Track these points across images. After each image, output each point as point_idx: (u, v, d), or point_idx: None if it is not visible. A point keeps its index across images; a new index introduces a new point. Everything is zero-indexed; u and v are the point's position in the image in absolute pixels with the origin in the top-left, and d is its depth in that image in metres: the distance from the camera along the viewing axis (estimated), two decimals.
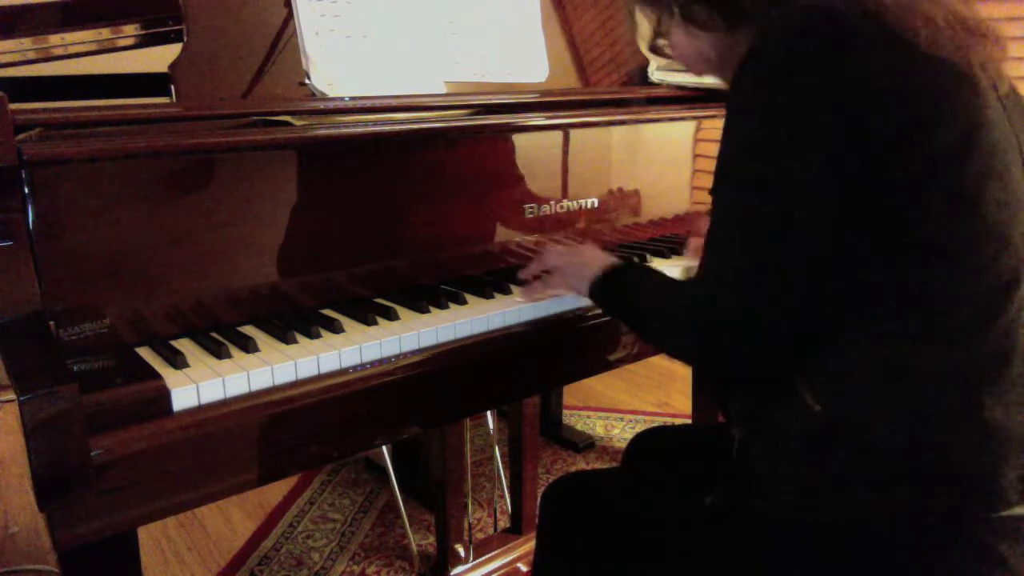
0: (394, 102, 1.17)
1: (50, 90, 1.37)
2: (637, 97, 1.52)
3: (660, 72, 1.61)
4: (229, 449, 0.86)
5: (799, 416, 0.78)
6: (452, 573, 1.64)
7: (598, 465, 2.25)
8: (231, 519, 2.00)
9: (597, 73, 1.55)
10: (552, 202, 1.32)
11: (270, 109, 1.06)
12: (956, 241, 0.73)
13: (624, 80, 1.59)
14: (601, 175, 1.40)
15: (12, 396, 0.71)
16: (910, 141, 0.71)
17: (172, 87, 1.06)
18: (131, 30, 1.26)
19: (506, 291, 1.16)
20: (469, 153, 1.22)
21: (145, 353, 0.92)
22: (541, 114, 1.30)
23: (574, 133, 1.34)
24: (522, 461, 1.73)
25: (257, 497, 2.08)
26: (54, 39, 1.21)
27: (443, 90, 1.29)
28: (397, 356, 0.98)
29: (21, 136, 0.86)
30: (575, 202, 1.36)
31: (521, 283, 1.16)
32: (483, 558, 1.68)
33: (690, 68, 0.96)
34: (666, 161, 1.51)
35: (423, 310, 1.07)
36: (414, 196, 1.16)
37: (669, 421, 2.54)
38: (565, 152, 1.34)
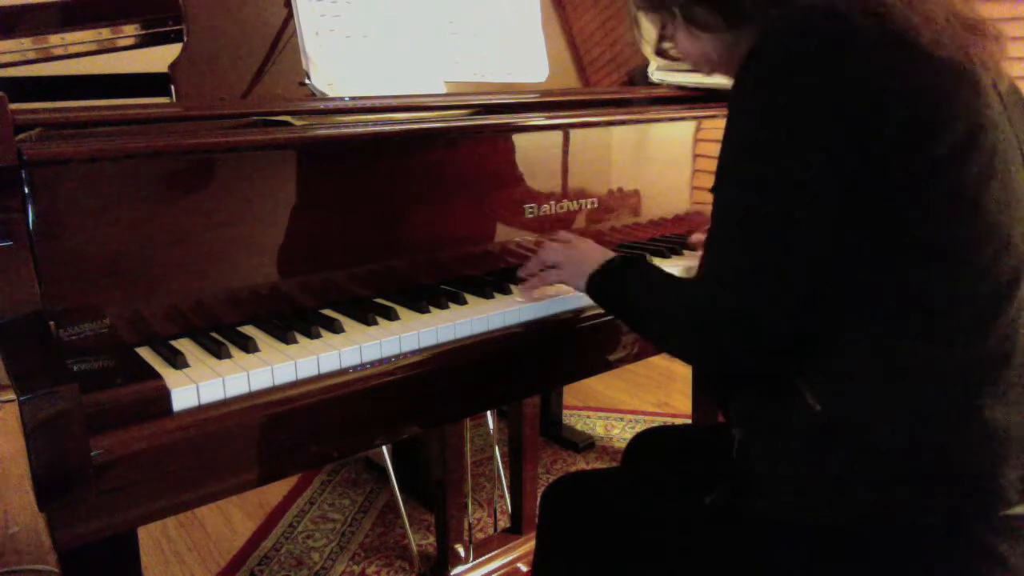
0: (394, 102, 1.17)
1: (50, 90, 1.37)
2: (637, 97, 1.52)
3: (660, 72, 1.61)
4: (229, 449, 0.86)
5: (799, 416, 0.78)
6: (452, 573, 1.64)
7: (598, 465, 2.25)
8: (231, 519, 2.00)
9: (597, 73, 1.55)
10: (552, 202, 1.32)
11: (270, 109, 1.06)
12: (956, 241, 0.73)
13: (624, 80, 1.59)
14: (601, 175, 1.40)
15: (12, 396, 0.71)
16: (911, 141, 0.71)
17: (172, 87, 1.06)
18: (131, 30, 1.26)
19: (506, 291, 1.16)
20: (469, 153, 1.22)
21: (145, 353, 0.92)
22: (541, 114, 1.30)
23: (574, 133, 1.34)
24: (522, 461, 1.73)
25: (257, 497, 2.08)
26: (54, 39, 1.21)
27: (443, 90, 1.29)
28: (397, 356, 0.98)
29: (21, 136, 0.86)
30: (575, 202, 1.36)
31: (521, 282, 1.16)
32: (483, 558, 1.68)
33: (697, 68, 0.97)
34: (666, 161, 1.51)
35: (423, 310, 1.07)
36: (414, 196, 1.16)
37: (669, 421, 2.54)
38: (565, 152, 1.34)
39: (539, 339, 1.12)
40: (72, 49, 1.22)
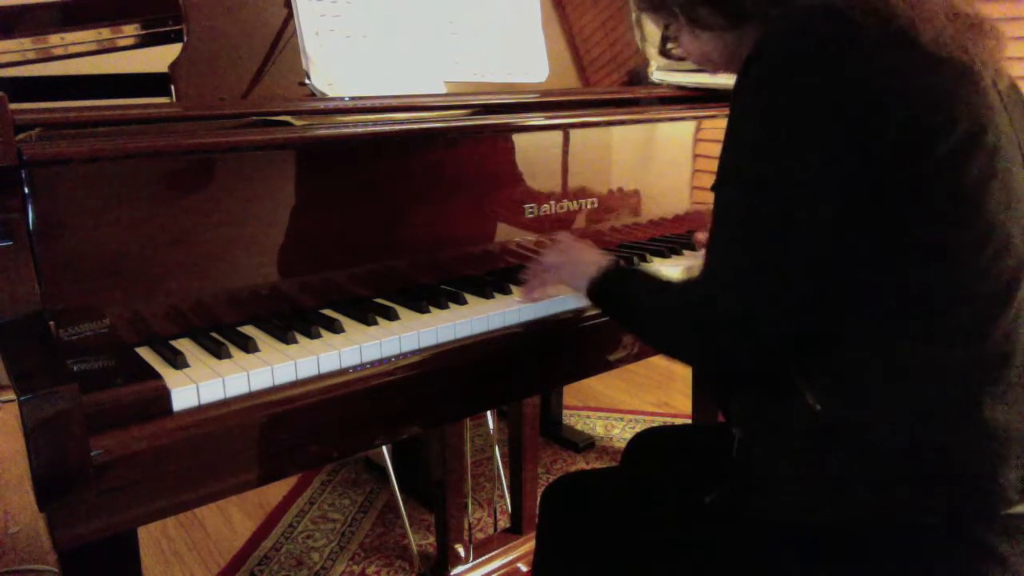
0: (394, 102, 1.18)
1: (50, 90, 1.37)
2: (637, 97, 1.52)
3: (660, 72, 1.61)
4: (229, 449, 0.86)
5: (799, 416, 0.78)
6: (452, 573, 1.64)
7: (598, 465, 2.24)
8: (231, 519, 2.00)
9: (597, 73, 1.55)
10: (552, 202, 1.32)
11: (270, 109, 1.06)
12: (957, 241, 0.73)
13: (624, 80, 1.59)
14: (601, 175, 1.40)
15: (12, 396, 0.71)
16: (911, 142, 0.71)
17: (172, 87, 1.06)
18: (131, 30, 1.26)
19: (506, 291, 1.16)
20: (469, 153, 1.22)
21: (145, 353, 0.92)
22: (541, 114, 1.30)
23: (574, 133, 1.34)
24: (522, 461, 1.73)
25: (257, 497, 2.08)
26: (54, 39, 1.21)
27: (443, 90, 1.29)
28: (397, 356, 0.98)
29: (21, 136, 0.86)
30: (575, 202, 1.36)
31: (522, 283, 1.16)
32: (483, 558, 1.68)
33: (701, 67, 0.97)
34: (666, 161, 1.51)
35: (423, 310, 1.07)
36: (414, 196, 1.16)
37: (669, 421, 2.54)
38: (565, 152, 1.34)
39: (539, 339, 1.12)
40: (72, 49, 1.22)
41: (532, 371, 1.18)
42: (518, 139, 1.27)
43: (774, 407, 0.82)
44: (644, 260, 1.36)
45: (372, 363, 0.96)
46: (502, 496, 1.92)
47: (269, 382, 0.89)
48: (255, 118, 1.05)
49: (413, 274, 1.18)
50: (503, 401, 1.73)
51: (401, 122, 1.13)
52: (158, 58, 1.15)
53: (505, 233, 1.27)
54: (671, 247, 1.43)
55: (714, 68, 0.95)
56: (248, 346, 0.93)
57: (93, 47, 1.24)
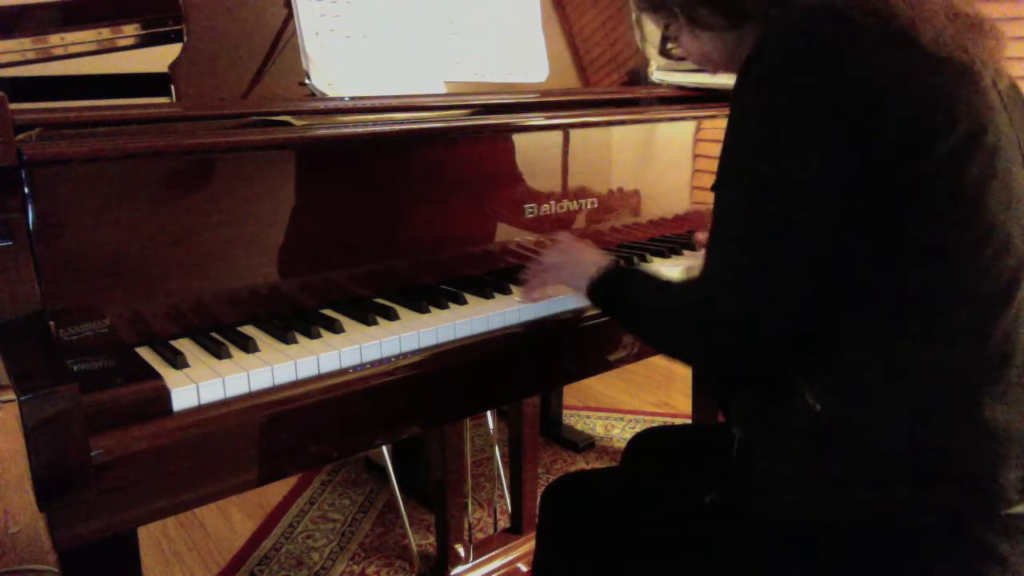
0: (394, 102, 1.18)
1: (50, 90, 1.37)
2: (637, 97, 1.52)
3: (660, 72, 1.61)
4: (229, 449, 0.86)
5: (800, 416, 0.78)
6: (452, 573, 1.64)
7: (598, 465, 2.25)
8: (231, 519, 2.00)
9: (597, 73, 1.55)
10: (552, 202, 1.32)
11: (270, 109, 1.06)
12: (957, 242, 0.73)
13: (624, 80, 1.59)
14: (601, 175, 1.40)
15: (12, 396, 0.71)
16: (911, 142, 0.71)
17: (172, 87, 1.06)
18: (131, 30, 1.26)
19: (506, 291, 1.16)
20: (469, 153, 1.22)
21: (145, 353, 0.92)
22: (541, 114, 1.30)
23: (574, 133, 1.34)
24: (522, 461, 1.73)
25: (257, 497, 2.08)
26: (54, 39, 1.21)
27: (443, 90, 1.29)
28: (397, 356, 0.98)
29: (21, 136, 0.86)
30: (575, 202, 1.36)
31: (522, 283, 1.16)
32: (483, 558, 1.68)
33: (701, 67, 0.97)
34: (666, 161, 1.51)
35: (423, 310, 1.07)
36: (414, 196, 1.16)
37: (669, 421, 2.54)
38: (565, 152, 1.34)
39: (539, 339, 1.12)
40: (72, 49, 1.22)
41: (532, 371, 1.18)
42: (518, 139, 1.27)
43: (774, 407, 0.82)
44: (644, 260, 1.36)
45: (372, 363, 0.96)
46: (502, 496, 1.92)
47: (269, 382, 0.89)
48: (255, 118, 1.05)
49: (413, 274, 1.18)
50: (503, 401, 1.73)
51: (401, 122, 1.13)
52: (158, 58, 1.15)
53: (505, 233, 1.27)
54: (671, 247, 1.43)
55: (714, 68, 0.95)
56: (248, 346, 0.93)
57: (93, 47, 1.24)
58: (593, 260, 1.01)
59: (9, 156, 0.82)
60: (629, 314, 0.95)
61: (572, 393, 2.71)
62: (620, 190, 1.43)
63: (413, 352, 1.00)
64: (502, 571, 1.70)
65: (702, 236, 1.43)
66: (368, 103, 1.14)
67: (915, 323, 0.74)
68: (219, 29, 1.10)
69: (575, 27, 1.51)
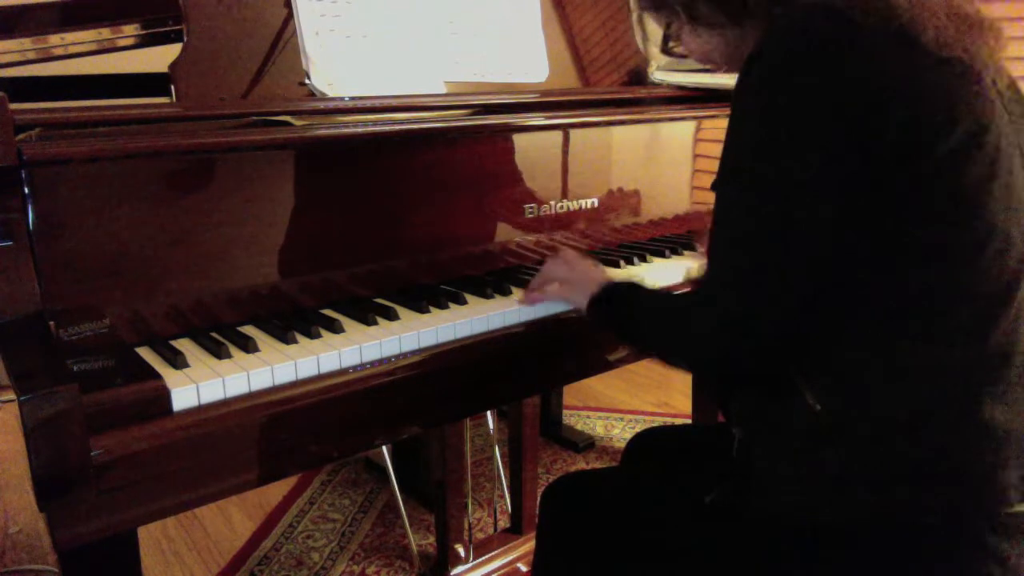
0: (394, 102, 1.18)
1: (50, 90, 1.37)
2: (637, 97, 1.52)
3: (660, 72, 1.61)
4: (229, 449, 0.86)
5: (799, 416, 0.78)
6: (452, 573, 1.64)
7: (598, 465, 2.25)
8: (231, 519, 2.00)
9: (597, 73, 1.55)
10: (552, 202, 1.32)
11: (270, 109, 1.06)
12: (957, 242, 0.73)
13: (624, 80, 1.59)
14: (601, 175, 1.40)
15: (12, 396, 0.71)
16: (911, 142, 0.71)
17: (172, 87, 1.06)
18: (131, 30, 1.26)
19: (506, 291, 1.16)
20: (469, 153, 1.22)
21: (145, 353, 0.92)
22: (541, 114, 1.30)
23: (574, 133, 1.34)
24: (522, 461, 1.73)
25: (257, 497, 2.09)
26: (54, 39, 1.21)
27: (443, 90, 1.29)
28: (397, 356, 0.98)
29: (21, 136, 0.86)
30: (575, 202, 1.36)
31: (524, 290, 1.16)
32: (483, 558, 1.68)
33: (704, 66, 0.96)
34: (666, 161, 1.51)
35: (423, 310, 1.07)
36: (414, 196, 1.16)
37: (669, 421, 2.54)
38: (565, 152, 1.34)
39: (539, 339, 1.12)
40: (72, 49, 1.22)
41: (532, 371, 1.18)
42: (518, 139, 1.27)
43: (774, 407, 0.82)
44: (644, 260, 1.36)
45: (372, 363, 0.96)
46: (502, 496, 1.92)
47: (269, 382, 0.89)
48: (255, 118, 1.05)
49: (413, 274, 1.18)
50: (503, 401, 1.73)
51: (401, 122, 1.13)
52: (158, 58, 1.15)
53: (505, 233, 1.27)
54: (671, 247, 1.43)
55: (716, 67, 0.95)
56: (248, 346, 0.93)
57: (93, 47, 1.24)
58: (595, 279, 1.01)
59: (9, 156, 0.82)
60: (629, 325, 0.94)
61: (572, 393, 2.71)
62: (620, 190, 1.43)
63: (413, 352, 1.00)
64: (502, 571, 1.70)
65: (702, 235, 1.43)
66: (368, 103, 1.14)
67: (915, 323, 0.74)
68: (219, 29, 1.10)
69: (575, 27, 1.51)
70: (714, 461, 0.98)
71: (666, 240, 1.50)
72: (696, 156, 1.55)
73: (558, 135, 1.32)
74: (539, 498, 1.09)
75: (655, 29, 0.95)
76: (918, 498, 0.75)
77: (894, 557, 0.76)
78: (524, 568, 1.70)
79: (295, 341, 0.96)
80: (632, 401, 2.70)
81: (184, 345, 0.95)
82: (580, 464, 2.27)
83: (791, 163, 0.73)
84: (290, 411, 0.89)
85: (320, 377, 0.92)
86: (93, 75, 1.43)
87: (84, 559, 0.84)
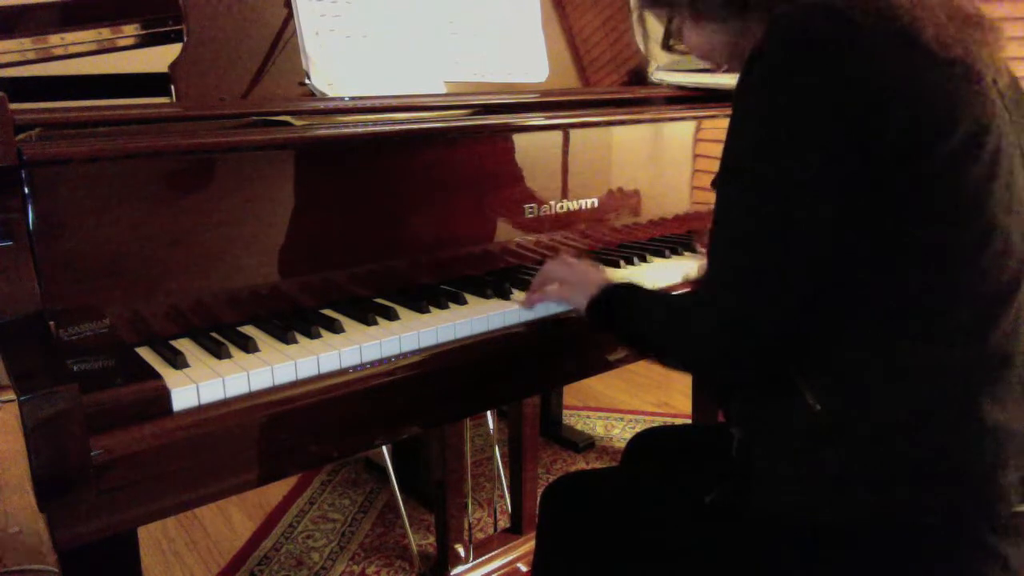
0: (394, 102, 1.17)
1: (50, 90, 1.37)
2: (637, 97, 1.52)
3: (660, 72, 1.61)
4: (229, 449, 0.86)
5: (799, 416, 0.78)
6: (452, 573, 1.64)
7: (598, 465, 2.25)
8: (231, 519, 2.00)
9: (597, 73, 1.55)
10: (552, 202, 1.32)
11: (270, 109, 1.06)
12: (957, 242, 0.73)
13: (624, 80, 1.59)
14: (601, 175, 1.40)
15: (12, 396, 0.71)
16: (911, 142, 0.71)
17: (172, 87, 1.06)
18: (131, 30, 1.26)
19: (506, 292, 1.16)
20: (469, 153, 1.22)
21: (145, 353, 0.92)
22: (541, 114, 1.30)
23: (574, 133, 1.34)
24: (522, 461, 1.73)
25: (257, 497, 2.09)
26: (54, 39, 1.21)
27: (443, 90, 1.29)
28: (397, 356, 0.98)
29: (21, 136, 0.86)
30: (575, 202, 1.36)
31: (524, 291, 1.15)
32: (483, 558, 1.68)
33: (705, 62, 0.96)
34: (666, 161, 1.51)
35: (423, 310, 1.07)
36: (414, 196, 1.16)
37: (669, 421, 2.54)
38: (565, 152, 1.34)
39: (539, 339, 1.12)
40: (72, 49, 1.22)
41: (532, 371, 1.18)
42: (518, 139, 1.27)
43: (774, 407, 0.82)
44: (644, 260, 1.36)
45: (372, 363, 0.96)
46: (502, 496, 1.92)
47: (269, 382, 0.89)
48: (255, 118, 1.05)
49: (413, 274, 1.18)
50: (503, 401, 1.73)
51: (401, 122, 1.13)
52: (158, 58, 1.15)
53: (505, 233, 1.27)
54: (671, 247, 1.43)
55: (717, 64, 0.94)
56: (248, 346, 0.93)
57: (93, 47, 1.24)
58: (594, 280, 1.01)
59: (9, 156, 0.82)
60: (629, 325, 0.94)
61: (572, 393, 2.71)
62: (620, 190, 1.43)
63: (413, 352, 1.00)
64: (502, 571, 1.70)
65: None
66: (368, 103, 1.14)
67: (915, 323, 0.74)
68: (219, 29, 1.10)
69: (575, 27, 1.51)
70: (714, 461, 0.98)
71: (666, 240, 1.50)
72: (696, 156, 1.55)
73: (558, 135, 1.32)
74: (539, 498, 1.09)
75: (656, 27, 0.95)
76: (918, 498, 0.75)
77: (894, 557, 0.76)
78: (524, 568, 1.70)
79: (295, 341, 0.96)
80: (632, 401, 2.70)
81: (184, 345, 0.95)
82: (580, 464, 2.27)
83: (791, 163, 0.73)
84: (290, 411, 0.89)
85: (320, 377, 0.92)
86: (93, 75, 1.43)
87: (84, 559, 0.84)
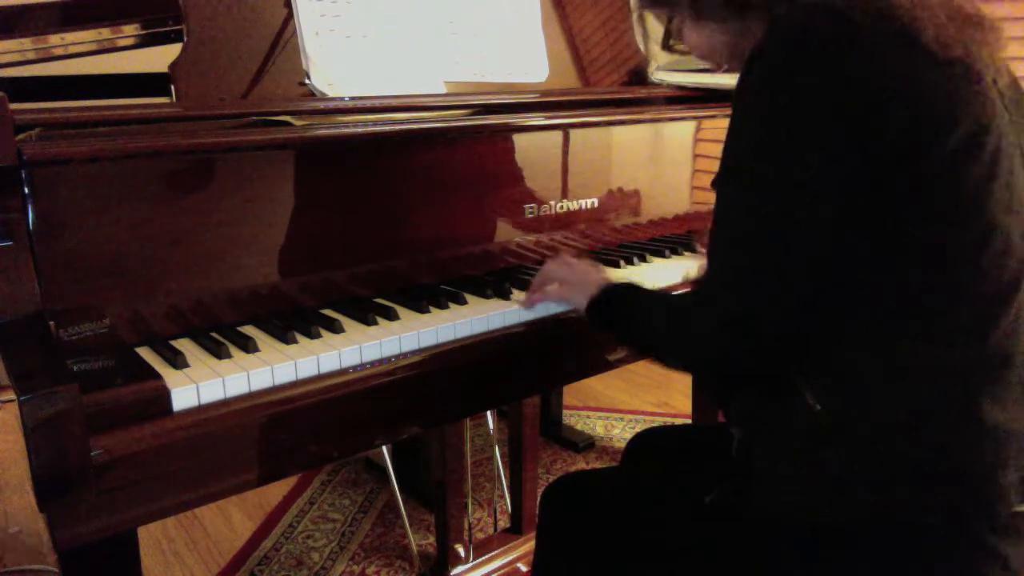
0: (394, 102, 1.17)
1: (50, 90, 1.37)
2: (637, 97, 1.52)
3: (660, 72, 1.61)
4: (229, 449, 0.86)
5: (799, 416, 0.78)
6: (452, 573, 1.64)
7: (598, 465, 2.25)
8: (231, 519, 2.00)
9: (597, 73, 1.55)
10: (552, 202, 1.32)
11: (270, 109, 1.06)
12: (957, 242, 0.73)
13: (624, 80, 1.59)
14: (601, 175, 1.40)
15: (12, 396, 0.71)
16: (911, 142, 0.71)
17: (172, 87, 1.06)
18: (131, 30, 1.26)
19: (506, 291, 1.16)
20: (469, 153, 1.22)
21: (145, 353, 0.92)
22: (541, 114, 1.30)
23: (574, 133, 1.34)
24: (522, 461, 1.73)
25: (257, 497, 2.09)
26: (54, 39, 1.21)
27: (443, 90, 1.29)
28: (397, 356, 0.98)
29: (21, 136, 0.86)
30: (575, 202, 1.36)
31: (524, 291, 1.15)
32: (483, 558, 1.68)
33: (705, 61, 0.96)
34: (666, 161, 1.51)
35: (423, 310, 1.07)
36: (414, 196, 1.16)
37: (669, 421, 2.54)
38: (565, 152, 1.34)
39: (539, 339, 1.12)
40: (72, 49, 1.22)
41: (532, 371, 1.18)
42: (518, 139, 1.27)
43: (774, 407, 0.82)
44: (644, 260, 1.36)
45: (372, 363, 0.96)
46: (502, 496, 1.92)
47: (269, 382, 0.89)
48: (255, 118, 1.05)
49: (413, 274, 1.18)
50: (503, 401, 1.73)
51: (401, 122, 1.13)
52: (158, 58, 1.15)
53: (505, 233, 1.27)
54: (671, 247, 1.43)
55: (716, 64, 0.94)
56: (248, 346, 0.93)
57: (93, 47, 1.24)
58: (594, 280, 1.01)
59: (9, 156, 0.82)
60: (629, 324, 0.94)
61: (572, 393, 2.71)
62: (620, 190, 1.43)
63: (413, 352, 1.00)
64: (502, 571, 1.70)
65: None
66: (368, 103, 1.14)
67: (915, 323, 0.74)
68: (219, 29, 1.10)
69: (575, 27, 1.51)
70: (714, 461, 0.98)
71: (666, 240, 1.50)
72: (696, 156, 1.55)
73: (558, 135, 1.32)
74: (539, 498, 1.09)
75: (656, 27, 0.95)
76: (918, 498, 0.75)
77: (894, 557, 0.76)
78: (524, 568, 1.70)
79: (295, 341, 0.96)
80: (632, 401, 2.70)
81: (184, 345, 0.95)
82: (580, 464, 2.27)
83: (791, 163, 0.73)
84: (290, 411, 0.89)
85: (320, 377, 0.92)
86: (93, 75, 1.43)
87: (84, 559, 0.84)
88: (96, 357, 0.88)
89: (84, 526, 0.79)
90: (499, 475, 1.95)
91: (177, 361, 0.88)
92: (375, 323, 1.02)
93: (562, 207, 1.34)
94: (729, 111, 0.80)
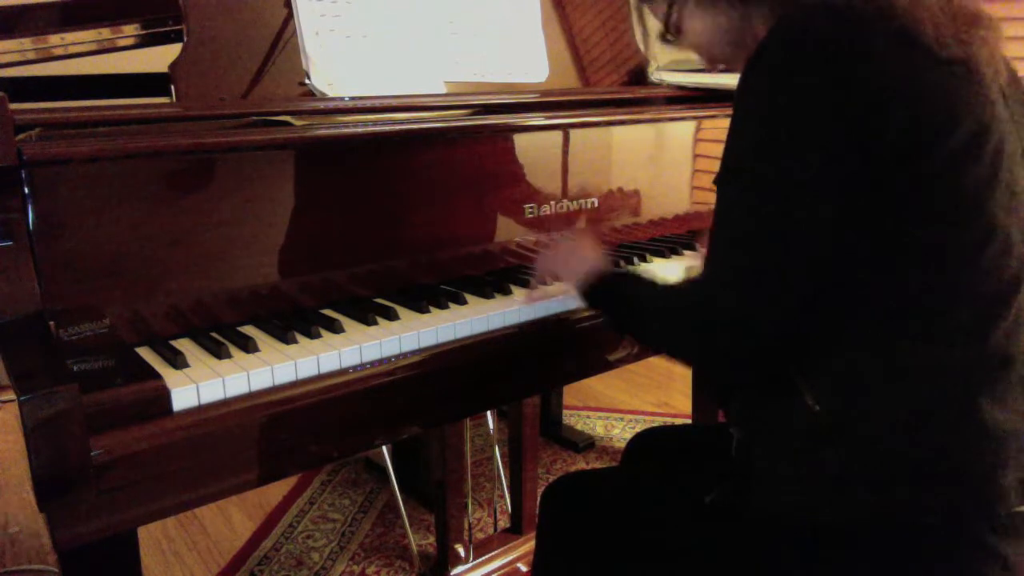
0: (394, 102, 1.17)
1: (50, 90, 1.37)
2: (637, 97, 1.52)
3: (660, 72, 1.61)
4: (229, 449, 0.86)
5: (799, 416, 0.78)
6: (452, 573, 1.64)
7: (598, 465, 2.25)
8: (231, 519, 2.00)
9: (597, 73, 1.55)
10: (552, 202, 1.32)
11: (270, 109, 1.06)
12: (957, 242, 0.73)
13: (624, 80, 1.59)
14: (601, 175, 1.40)
15: (12, 396, 0.71)
16: (912, 142, 0.71)
17: (172, 87, 1.06)
18: (131, 30, 1.26)
19: (506, 291, 1.16)
20: (469, 153, 1.22)
21: (145, 353, 0.92)
22: (541, 114, 1.30)
23: (574, 133, 1.34)
24: (522, 461, 1.73)
25: (257, 497, 2.08)
26: (54, 39, 1.21)
27: (443, 90, 1.29)
28: (397, 356, 0.98)
29: (21, 136, 0.86)
30: (575, 202, 1.36)
31: (525, 285, 1.16)
32: (483, 558, 1.68)
33: (704, 56, 0.95)
34: (666, 161, 1.51)
35: (423, 310, 1.07)
36: (414, 196, 1.16)
37: (669, 421, 2.54)
38: (565, 152, 1.34)
39: (539, 339, 1.12)
40: (72, 49, 1.22)
41: (532, 371, 1.18)
42: (518, 139, 1.27)
43: (774, 407, 0.82)
44: (644, 260, 1.36)
45: (372, 363, 0.96)
46: (502, 496, 1.92)
47: (269, 382, 0.89)
48: (255, 118, 1.05)
49: (413, 274, 1.18)
50: (503, 401, 1.73)
51: (401, 122, 1.13)
52: (158, 58, 1.15)
53: (505, 233, 1.27)
54: (671, 247, 1.43)
55: (714, 56, 0.93)
56: (248, 346, 0.93)
57: (93, 47, 1.24)
58: (590, 262, 1.01)
59: (9, 156, 0.82)
60: (628, 314, 0.94)
61: (572, 393, 2.71)
62: (620, 190, 1.43)
63: (413, 352, 1.00)
64: (502, 571, 1.70)
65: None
66: (368, 103, 1.14)
67: (915, 323, 0.74)
68: (219, 29, 1.10)
69: (575, 27, 1.51)
70: (714, 461, 0.98)
71: (666, 240, 1.50)
72: (696, 156, 1.55)
73: (558, 135, 1.32)
74: (539, 498, 1.09)
75: (655, 24, 0.95)
76: (918, 498, 0.75)
77: (894, 557, 0.76)
78: (524, 568, 1.70)
79: (295, 341, 0.96)
80: (632, 401, 2.70)
81: (184, 345, 0.95)
82: (580, 464, 2.27)
83: (791, 163, 0.73)
84: (290, 411, 0.89)
85: (320, 377, 0.92)
86: (93, 75, 1.43)
87: (84, 559, 0.84)
88: (96, 357, 0.88)
89: (84, 526, 0.79)
90: (499, 475, 1.95)
91: (177, 361, 0.88)
92: (375, 323, 1.02)
93: (562, 207, 1.34)
94: (729, 111, 0.80)
